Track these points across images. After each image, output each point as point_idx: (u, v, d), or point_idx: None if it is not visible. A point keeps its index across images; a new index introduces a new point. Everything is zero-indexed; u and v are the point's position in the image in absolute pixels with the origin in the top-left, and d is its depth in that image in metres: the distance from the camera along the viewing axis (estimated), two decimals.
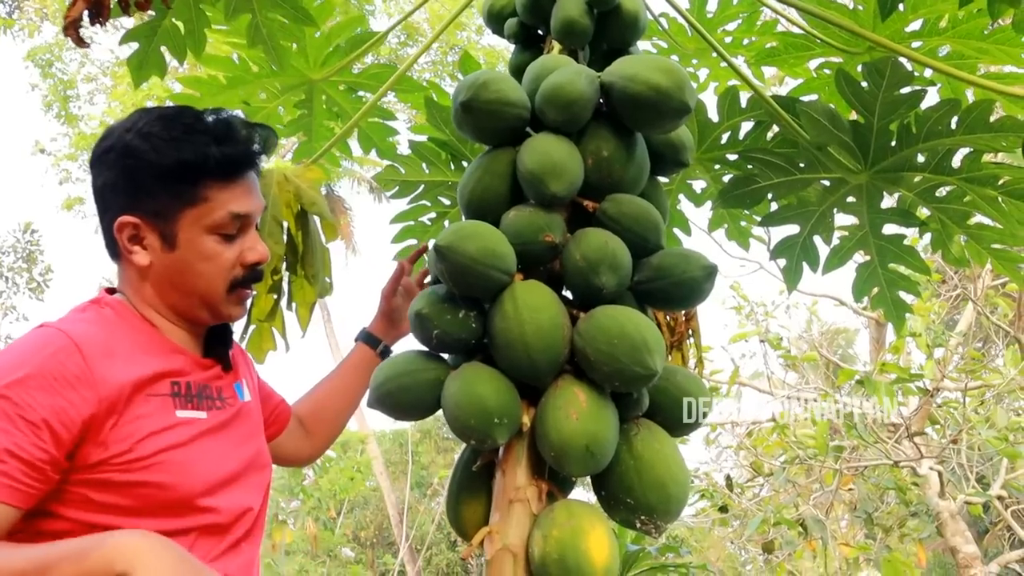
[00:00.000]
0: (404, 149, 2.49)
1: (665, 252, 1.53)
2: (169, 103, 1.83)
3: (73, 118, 12.32)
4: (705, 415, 1.50)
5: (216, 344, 1.38)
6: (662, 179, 2.59)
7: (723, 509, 5.69)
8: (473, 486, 1.50)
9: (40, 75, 11.69)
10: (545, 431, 1.38)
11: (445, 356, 1.55)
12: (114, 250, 1.30)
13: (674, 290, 1.50)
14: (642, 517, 1.39)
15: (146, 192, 1.23)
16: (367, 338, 1.87)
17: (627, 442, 1.42)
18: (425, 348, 1.52)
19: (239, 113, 1.32)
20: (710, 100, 2.39)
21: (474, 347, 1.50)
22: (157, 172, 1.23)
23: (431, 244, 1.43)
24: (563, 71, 1.53)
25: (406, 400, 1.47)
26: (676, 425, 1.50)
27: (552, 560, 1.29)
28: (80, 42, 1.37)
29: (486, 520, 1.45)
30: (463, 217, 1.62)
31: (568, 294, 1.57)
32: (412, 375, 1.47)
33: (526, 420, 1.43)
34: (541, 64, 1.64)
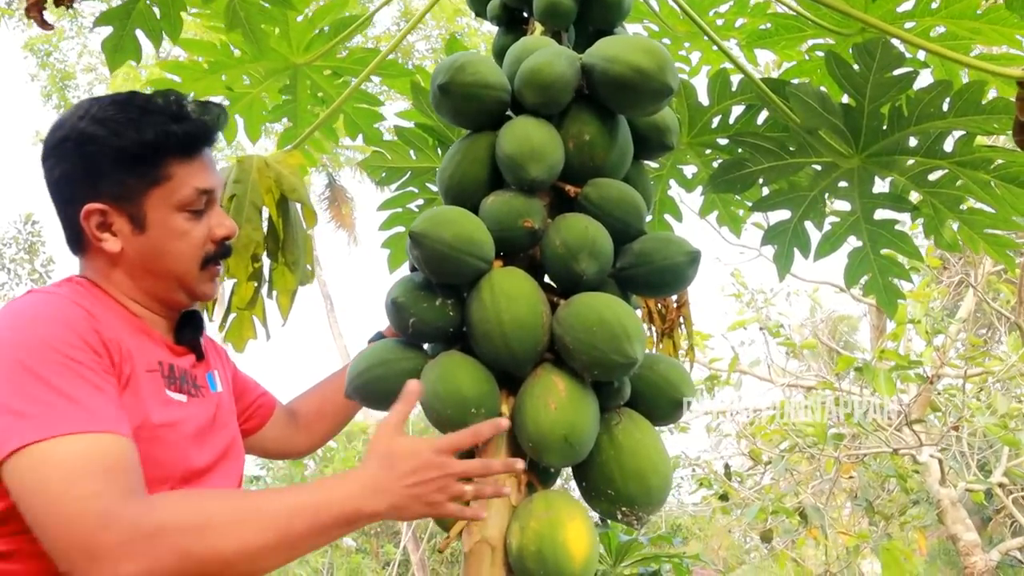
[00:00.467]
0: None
1: (647, 237, 1.50)
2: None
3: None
4: (689, 404, 1.47)
5: (187, 332, 1.35)
6: (651, 164, 2.58)
7: (723, 497, 5.67)
8: None
9: (38, 65, 11.67)
10: (523, 421, 1.35)
11: (425, 345, 1.52)
12: (78, 242, 1.27)
13: (656, 276, 1.47)
14: (623, 508, 1.37)
15: (109, 177, 1.21)
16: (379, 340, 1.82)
17: (608, 432, 1.39)
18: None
19: (181, 94, 1.30)
20: (703, 84, 2.35)
21: (453, 336, 1.47)
22: (119, 155, 1.21)
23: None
24: (542, 52, 1.50)
25: (383, 390, 1.44)
26: (659, 414, 1.47)
27: (530, 552, 1.27)
28: (44, 24, 1.34)
29: None
30: (444, 203, 1.59)
31: (550, 281, 1.54)
32: (388, 365, 1.44)
33: (505, 410, 1.41)
34: (522, 46, 1.61)
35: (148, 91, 1.31)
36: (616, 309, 1.35)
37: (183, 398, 1.26)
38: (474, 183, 1.52)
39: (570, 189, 1.53)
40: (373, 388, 1.45)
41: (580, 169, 1.52)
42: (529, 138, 1.44)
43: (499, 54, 1.83)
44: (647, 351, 1.58)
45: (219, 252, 1.32)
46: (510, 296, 1.37)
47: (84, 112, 1.23)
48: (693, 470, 6.74)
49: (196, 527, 0.99)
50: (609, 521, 3.01)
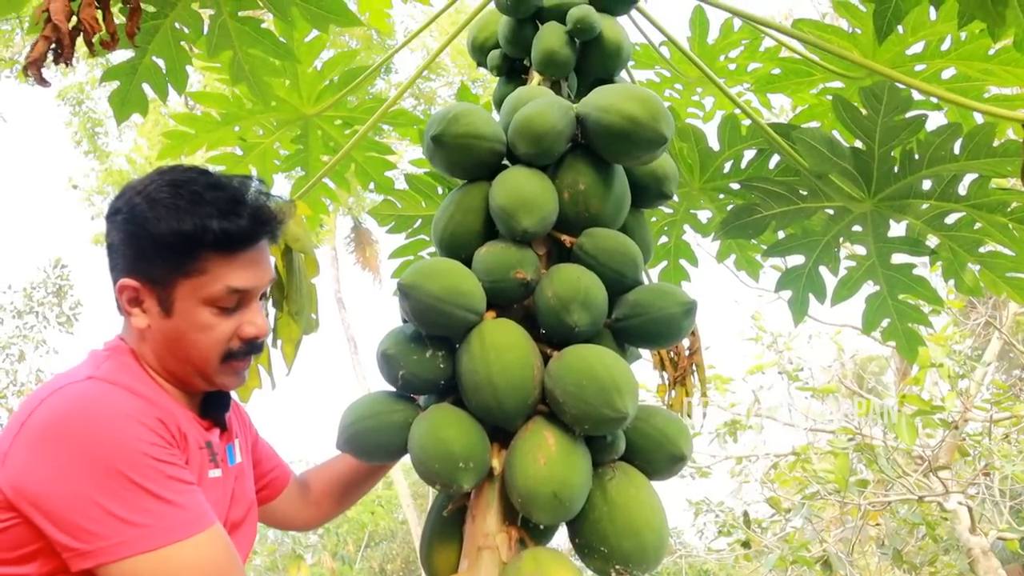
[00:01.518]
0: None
1: (642, 288, 1.48)
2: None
3: (105, 154, 12.55)
4: (686, 458, 1.43)
5: (213, 407, 1.36)
6: (664, 209, 2.57)
7: (745, 545, 5.54)
8: (445, 531, 1.44)
9: (71, 113, 11.95)
10: (512, 477, 1.32)
11: (419, 398, 1.50)
12: (119, 306, 1.31)
13: (651, 327, 1.44)
14: (617, 566, 1.33)
15: (146, 258, 1.24)
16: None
17: (601, 487, 1.36)
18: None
19: (254, 181, 1.30)
20: (716, 130, 2.34)
21: (444, 388, 1.45)
22: (156, 240, 1.22)
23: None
24: (536, 103, 1.49)
25: (372, 443, 1.42)
26: (656, 469, 1.43)
27: None
28: (42, 81, 1.36)
29: (458, 567, 1.39)
30: (438, 254, 1.58)
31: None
32: (378, 417, 1.42)
33: (496, 464, 1.38)
34: (517, 96, 1.61)
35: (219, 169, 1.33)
36: (607, 362, 1.32)
37: (219, 474, 1.31)
38: (468, 234, 1.51)
39: (566, 239, 1.51)
40: (363, 440, 1.43)
41: (575, 219, 1.51)
42: (521, 189, 1.43)
43: (499, 104, 1.83)
44: (649, 404, 1.55)
45: (244, 350, 1.31)
46: (500, 348, 1.34)
47: (144, 186, 1.25)
48: (716, 516, 6.61)
49: None
50: None
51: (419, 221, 2.47)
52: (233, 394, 1.51)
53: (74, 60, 1.40)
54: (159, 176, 1.27)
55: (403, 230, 2.47)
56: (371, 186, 2.70)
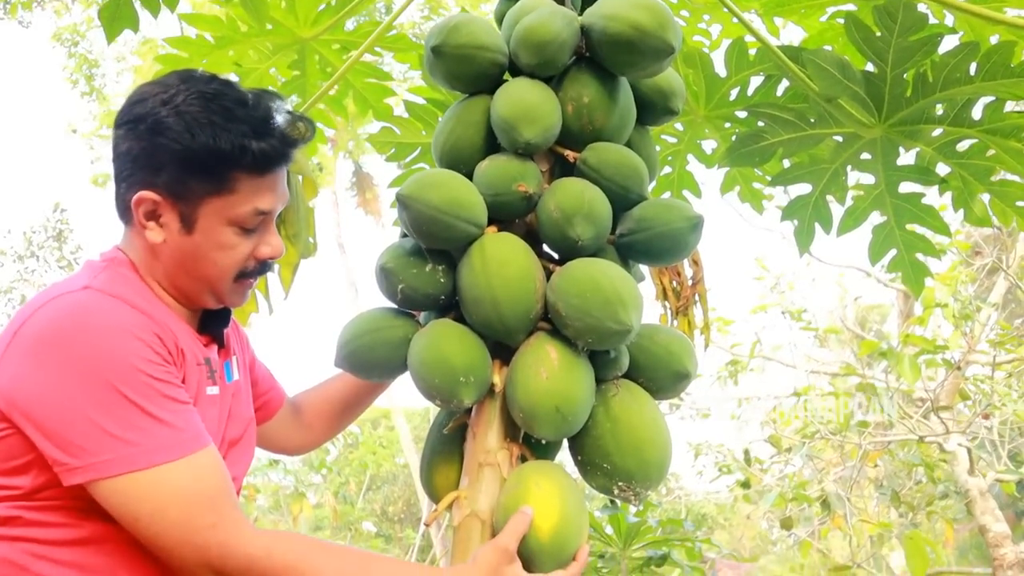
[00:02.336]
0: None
1: (648, 203, 1.44)
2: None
3: (104, 98, 12.39)
4: (690, 375, 1.40)
5: (213, 323, 1.33)
6: (668, 139, 2.51)
7: (745, 485, 5.59)
8: (446, 450, 1.43)
9: (66, 55, 11.77)
10: (514, 391, 1.30)
11: (419, 314, 1.47)
12: (127, 217, 1.26)
13: (657, 242, 1.40)
14: (620, 483, 1.31)
15: (172, 172, 1.19)
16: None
17: (604, 404, 1.34)
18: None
19: (278, 99, 1.26)
20: (723, 56, 2.28)
21: (445, 304, 1.42)
22: (189, 157, 1.17)
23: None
24: (538, 12, 1.44)
25: (371, 359, 1.40)
26: (660, 387, 1.41)
27: (500, 528, 1.22)
28: None
29: (458, 485, 1.38)
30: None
31: (548, 250, 1.49)
32: (377, 333, 1.40)
33: (497, 380, 1.36)
34: (520, 7, 1.55)
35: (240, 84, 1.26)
36: (611, 275, 1.29)
37: (216, 391, 1.28)
38: (469, 148, 1.47)
39: (569, 154, 1.47)
40: (361, 357, 1.41)
41: (579, 133, 1.46)
42: (523, 99, 1.39)
43: (500, 20, 1.76)
44: (652, 322, 1.52)
45: (258, 269, 1.29)
46: (501, 261, 1.31)
47: (169, 97, 1.19)
48: (715, 457, 6.65)
49: None
50: (618, 503, 2.96)
51: (418, 149, 2.42)
52: (236, 325, 1.49)
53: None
54: (183, 84, 1.21)
55: (402, 158, 2.42)
56: (368, 121, 2.64)
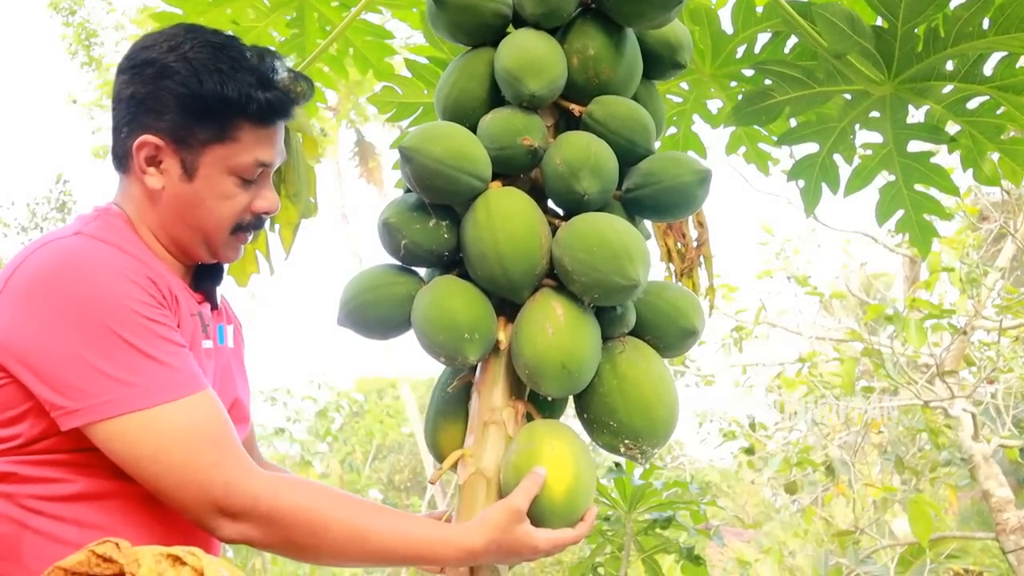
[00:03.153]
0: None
1: (655, 157, 1.41)
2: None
3: (104, 67, 12.30)
4: (697, 332, 1.38)
5: (207, 280, 1.32)
6: (673, 98, 2.47)
7: (749, 451, 5.59)
8: (450, 409, 1.42)
9: (63, 23, 11.65)
10: (519, 347, 1.29)
11: (420, 271, 1.45)
12: (123, 163, 1.25)
13: (664, 197, 1.38)
14: (626, 441, 1.30)
15: (177, 117, 1.19)
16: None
17: (611, 361, 1.32)
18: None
19: (279, 57, 1.27)
20: (730, 13, 2.23)
21: (449, 260, 1.40)
22: (194, 101, 1.18)
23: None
24: None
25: (374, 316, 1.38)
26: (667, 344, 1.39)
27: (511, 488, 1.21)
28: None
29: (463, 444, 1.37)
30: None
31: (554, 207, 1.46)
32: (380, 290, 1.38)
33: (502, 337, 1.34)
34: None
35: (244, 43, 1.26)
36: (618, 229, 1.27)
37: (210, 344, 1.27)
38: (473, 101, 1.43)
39: (574, 108, 1.44)
40: (364, 314, 1.38)
41: (585, 86, 1.43)
42: (528, 51, 1.35)
43: None
44: (658, 279, 1.50)
45: (253, 223, 1.29)
46: (506, 215, 1.29)
47: (176, 44, 1.20)
48: (720, 425, 6.66)
49: (309, 527, 1.09)
50: (623, 465, 2.96)
51: (420, 109, 2.38)
52: (230, 304, 1.46)
53: None
54: (189, 34, 1.22)
55: (404, 118, 2.39)
56: (372, 108, 2.60)
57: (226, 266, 1.40)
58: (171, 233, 1.25)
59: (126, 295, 1.08)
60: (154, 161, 1.21)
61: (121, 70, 1.23)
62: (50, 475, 1.09)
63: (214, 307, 1.33)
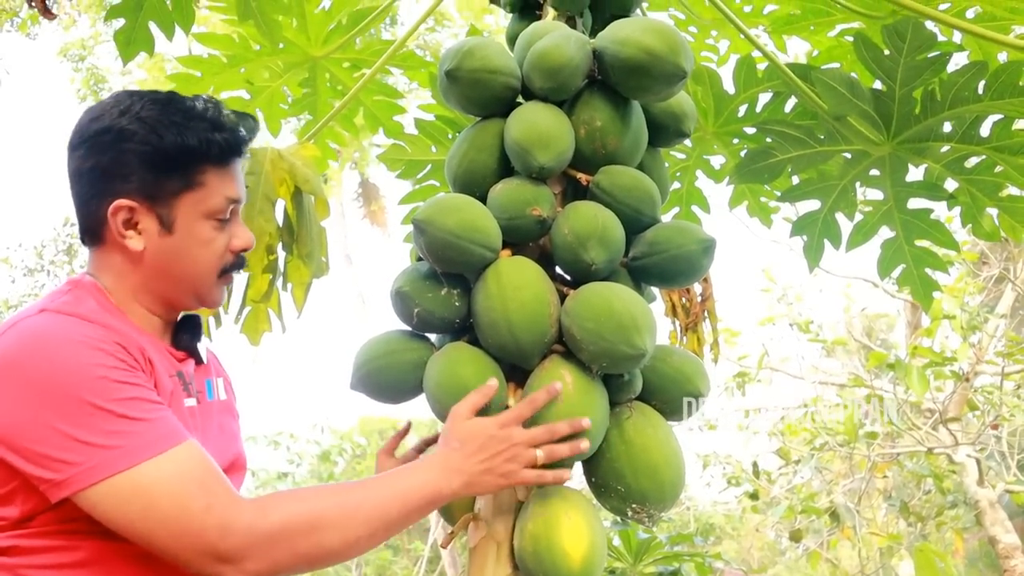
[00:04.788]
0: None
1: (660, 226, 1.45)
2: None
3: None
4: (703, 398, 1.41)
5: (186, 336, 1.33)
6: (676, 155, 2.52)
7: (753, 496, 5.57)
8: None
9: (73, 69, 11.82)
10: None
11: (432, 337, 1.49)
12: (96, 235, 1.26)
13: (670, 265, 1.42)
14: (634, 505, 1.32)
15: (144, 176, 1.22)
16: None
17: (618, 426, 1.35)
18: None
19: (217, 101, 1.31)
20: (731, 73, 2.29)
21: (460, 327, 1.43)
22: (158, 156, 1.21)
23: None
24: (551, 36, 1.45)
25: (386, 381, 1.41)
26: (672, 409, 1.42)
27: (528, 555, 1.24)
28: (46, 12, 1.32)
29: (473, 506, 1.39)
30: (452, 192, 1.55)
31: (561, 273, 1.50)
32: (392, 356, 1.41)
33: (512, 403, 1.37)
34: (532, 30, 1.56)
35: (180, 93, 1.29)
36: (625, 299, 1.30)
37: (194, 403, 1.26)
38: (483, 171, 1.48)
39: (582, 177, 1.49)
40: (377, 379, 1.42)
41: (592, 156, 1.48)
42: (537, 124, 1.40)
43: (512, 42, 1.78)
44: (664, 344, 1.53)
45: (235, 263, 1.32)
46: (516, 285, 1.32)
47: (125, 108, 1.23)
48: (723, 468, 6.64)
49: (306, 528, 1.10)
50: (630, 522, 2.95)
51: (429, 166, 2.43)
52: (218, 358, 1.48)
53: (76, 13, 1.35)
54: (134, 96, 1.25)
55: (412, 175, 2.43)
56: (378, 137, 2.66)
57: (207, 318, 1.41)
58: (156, 291, 1.26)
59: (92, 363, 1.09)
60: (131, 224, 1.22)
61: (73, 147, 1.25)
62: (50, 545, 1.10)
63: (199, 362, 1.34)
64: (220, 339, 1.98)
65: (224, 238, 1.28)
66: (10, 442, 1.06)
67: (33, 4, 1.32)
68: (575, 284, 1.40)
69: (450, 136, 2.36)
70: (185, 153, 1.22)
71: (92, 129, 1.22)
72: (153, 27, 1.91)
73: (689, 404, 1.41)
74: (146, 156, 1.21)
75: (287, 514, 1.10)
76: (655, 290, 1.71)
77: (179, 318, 1.34)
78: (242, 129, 1.29)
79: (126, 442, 1.06)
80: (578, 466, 1.43)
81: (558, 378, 1.30)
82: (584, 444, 1.26)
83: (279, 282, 1.97)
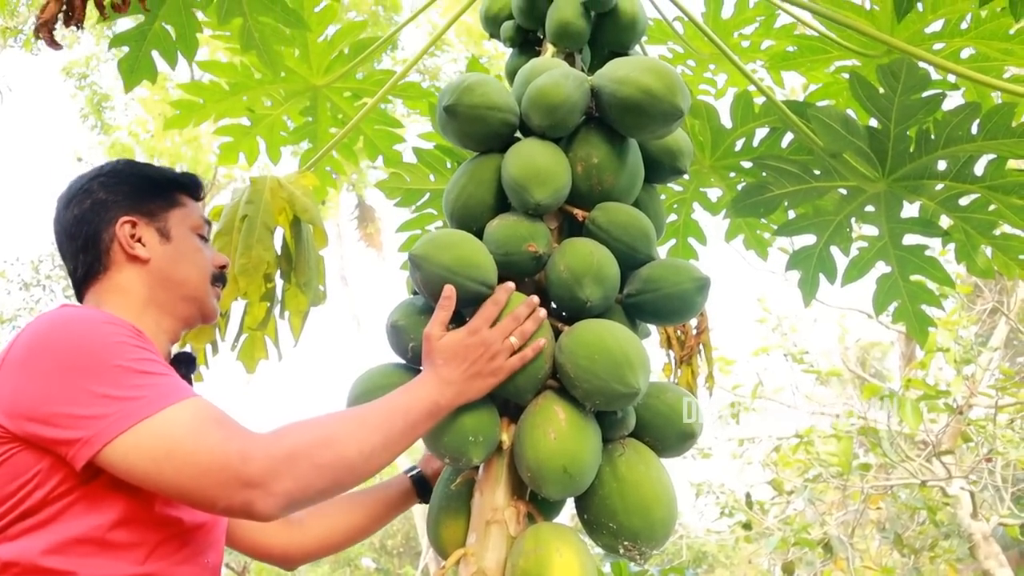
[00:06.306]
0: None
1: (656, 264, 1.46)
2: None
3: (109, 128, 12.47)
4: (696, 435, 1.41)
5: (180, 369, 1.37)
6: (674, 187, 2.54)
7: (746, 526, 5.55)
8: (452, 505, 1.44)
9: (76, 86, 11.87)
10: (522, 450, 1.31)
11: None
12: (102, 261, 1.36)
13: (664, 303, 1.42)
14: (626, 542, 1.32)
15: (135, 200, 1.39)
16: (419, 481, 1.65)
17: (611, 463, 1.35)
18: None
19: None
20: (729, 106, 2.31)
21: None
22: (144, 183, 1.42)
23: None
24: (550, 74, 1.47)
25: None
26: (666, 446, 1.42)
27: None
28: (53, 44, 1.34)
29: (465, 540, 1.39)
30: (449, 227, 1.56)
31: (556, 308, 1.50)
32: (387, 389, 1.39)
33: (505, 438, 1.37)
34: (531, 67, 1.58)
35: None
36: (619, 337, 1.31)
37: None
38: (480, 206, 1.49)
39: (578, 213, 1.50)
40: None
41: (588, 193, 1.49)
42: (534, 161, 1.41)
43: (511, 76, 1.81)
44: (660, 380, 1.54)
45: (220, 275, 1.47)
46: None
47: (103, 167, 1.43)
48: (716, 497, 6.63)
49: (322, 442, 1.16)
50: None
51: (427, 195, 2.44)
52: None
53: (82, 27, 1.38)
54: (102, 164, 1.46)
55: (410, 204, 2.45)
56: (376, 162, 2.67)
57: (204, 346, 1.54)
58: (161, 301, 1.37)
59: (114, 333, 1.17)
60: (135, 237, 1.37)
61: (65, 206, 1.40)
62: (81, 512, 1.14)
63: None
64: (216, 364, 1.98)
65: (208, 252, 1.45)
66: (39, 413, 1.12)
67: (40, 35, 1.34)
68: (570, 320, 1.41)
69: (448, 165, 2.38)
70: (164, 179, 1.44)
71: (77, 187, 1.40)
72: (156, 55, 1.93)
73: (683, 441, 1.41)
74: (134, 184, 1.40)
75: (301, 433, 1.16)
76: (651, 327, 1.72)
77: (173, 355, 1.41)
78: (196, 176, 1.51)
79: (149, 393, 1.13)
80: (570, 503, 1.43)
81: (551, 414, 1.31)
82: (542, 313, 1.35)
83: (276, 310, 1.98)
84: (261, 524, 1.49)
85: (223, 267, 1.46)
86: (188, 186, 1.46)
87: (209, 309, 1.43)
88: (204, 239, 1.46)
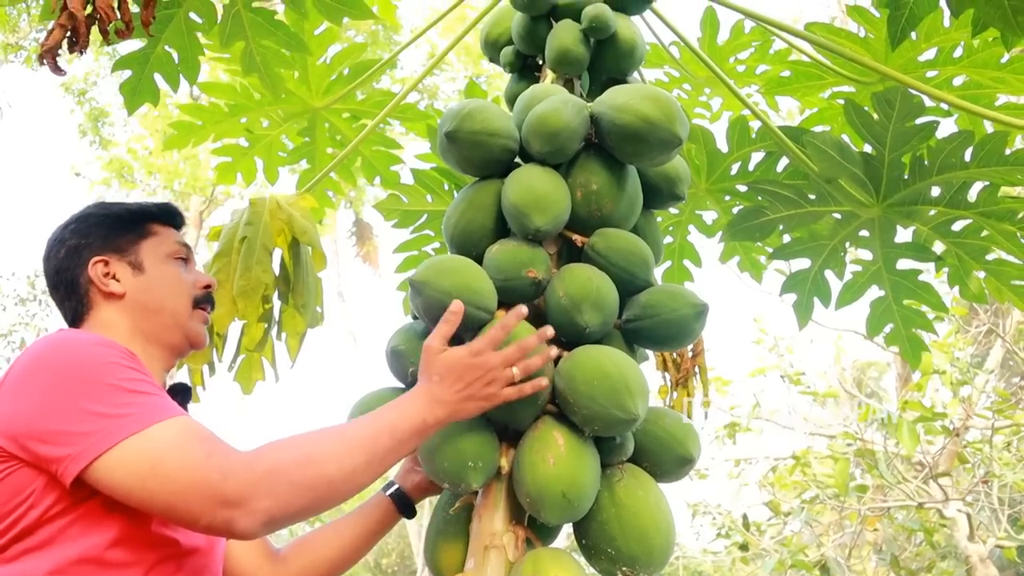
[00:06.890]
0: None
1: (654, 289, 1.47)
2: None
3: (106, 142, 12.50)
4: (694, 460, 1.42)
5: (176, 397, 1.37)
6: (670, 210, 2.56)
7: (743, 548, 5.54)
8: (450, 530, 1.44)
9: (75, 102, 11.91)
10: (521, 476, 1.32)
11: None
12: (84, 302, 1.40)
13: (663, 329, 1.44)
14: (624, 568, 1.32)
15: (106, 239, 1.42)
16: (399, 497, 1.56)
17: (609, 489, 1.36)
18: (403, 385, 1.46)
19: None
20: (724, 130, 2.34)
21: None
22: (111, 221, 1.44)
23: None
24: (549, 100, 1.49)
25: None
26: (664, 471, 1.43)
27: None
28: (57, 70, 1.35)
29: (463, 565, 1.39)
30: (449, 251, 1.57)
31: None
32: None
33: (504, 463, 1.37)
34: (531, 93, 1.60)
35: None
36: (619, 362, 1.32)
37: None
38: (480, 231, 1.51)
39: (577, 238, 1.51)
40: None
41: (588, 219, 1.51)
42: (534, 187, 1.43)
43: (511, 102, 1.82)
44: (656, 405, 1.54)
45: (205, 296, 1.47)
46: None
47: (71, 218, 1.46)
48: (713, 518, 6.61)
49: (303, 461, 1.16)
50: None
51: (424, 216, 2.45)
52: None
53: (85, 52, 1.39)
54: (74, 214, 1.48)
55: (408, 225, 2.46)
56: (375, 181, 2.69)
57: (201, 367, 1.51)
58: (145, 330, 1.38)
59: (106, 354, 1.20)
60: (109, 274, 1.39)
61: (48, 256, 1.45)
62: (76, 532, 1.15)
63: None
64: (211, 385, 1.98)
65: (189, 274, 1.46)
66: (34, 431, 1.14)
67: (44, 61, 1.35)
68: (569, 346, 1.42)
69: (446, 187, 2.39)
70: (132, 214, 1.46)
71: (55, 235, 1.45)
72: (158, 78, 1.94)
73: (681, 466, 1.42)
74: (104, 224, 1.43)
75: (282, 451, 1.16)
76: (648, 352, 1.73)
77: (169, 386, 1.41)
78: (171, 205, 1.53)
79: (136, 411, 1.15)
80: (567, 528, 1.43)
81: (551, 440, 1.32)
82: (553, 351, 1.32)
83: (274, 331, 1.99)
84: (248, 561, 1.50)
85: (207, 287, 1.46)
86: (158, 216, 1.48)
87: (193, 333, 1.43)
88: (183, 260, 1.47)
